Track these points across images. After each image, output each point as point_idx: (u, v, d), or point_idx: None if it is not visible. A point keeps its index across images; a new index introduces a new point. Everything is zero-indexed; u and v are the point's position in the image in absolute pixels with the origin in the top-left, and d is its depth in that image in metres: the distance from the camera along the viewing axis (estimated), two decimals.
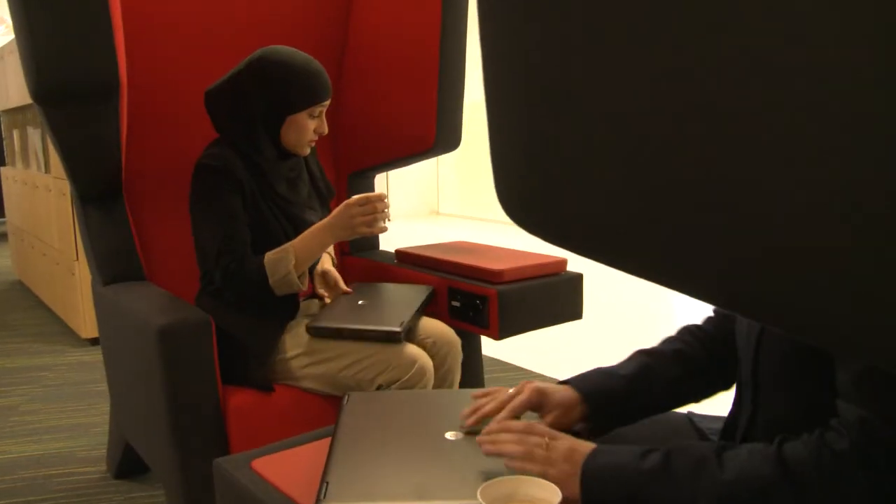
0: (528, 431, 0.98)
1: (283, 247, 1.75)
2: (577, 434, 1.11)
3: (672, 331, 1.25)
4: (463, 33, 2.22)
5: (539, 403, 1.10)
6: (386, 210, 1.75)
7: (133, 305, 1.78)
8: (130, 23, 2.01)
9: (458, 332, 1.97)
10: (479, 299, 1.95)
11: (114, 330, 1.97)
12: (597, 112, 0.49)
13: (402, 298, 1.96)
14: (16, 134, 5.10)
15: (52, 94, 1.35)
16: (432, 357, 1.87)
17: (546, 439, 0.96)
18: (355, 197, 1.73)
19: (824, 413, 0.86)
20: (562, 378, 1.20)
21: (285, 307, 1.84)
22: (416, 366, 1.74)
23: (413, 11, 2.21)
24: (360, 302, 1.93)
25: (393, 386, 1.73)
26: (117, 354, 2.00)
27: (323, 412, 1.81)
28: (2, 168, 5.72)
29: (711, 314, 1.23)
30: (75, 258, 3.78)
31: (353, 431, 1.01)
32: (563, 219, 0.55)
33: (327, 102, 1.82)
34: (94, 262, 2.03)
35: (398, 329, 1.74)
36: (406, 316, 1.82)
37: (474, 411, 1.09)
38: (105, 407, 2.95)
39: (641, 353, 1.20)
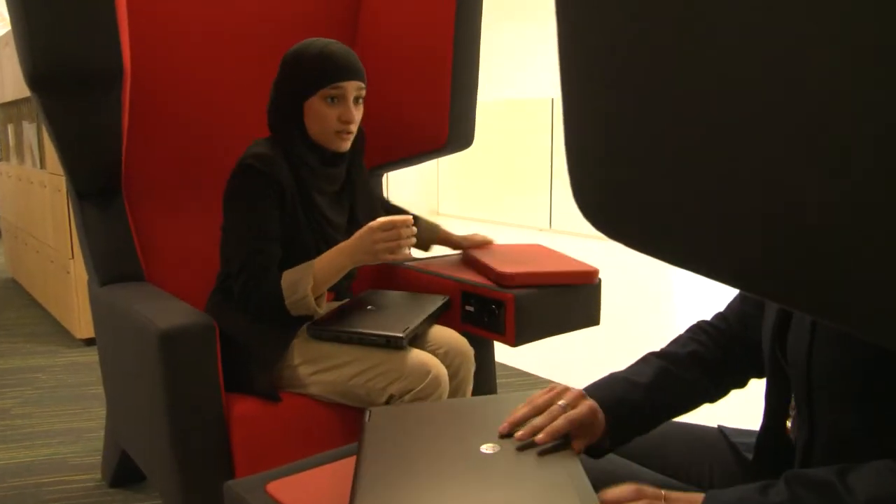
0: (640, 492, 0.89)
1: (302, 266, 1.66)
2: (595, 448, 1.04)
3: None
4: (477, 27, 2.13)
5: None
6: (412, 237, 1.64)
7: (132, 307, 1.69)
8: (134, 12, 1.92)
9: (470, 338, 1.89)
10: (495, 304, 1.87)
11: (111, 332, 1.88)
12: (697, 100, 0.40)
13: (412, 305, 1.87)
14: (10, 128, 5.01)
15: (48, 80, 1.25)
16: (446, 367, 1.79)
17: (663, 493, 0.88)
18: (379, 220, 1.62)
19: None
20: (573, 383, 1.12)
21: (298, 316, 1.76)
22: (431, 375, 1.65)
23: (426, 6, 2.12)
24: (368, 307, 1.84)
25: (406, 396, 1.65)
26: (115, 358, 1.91)
27: (333, 423, 1.73)
28: None
29: (724, 312, 1.18)
30: (70, 256, 3.68)
31: (380, 450, 0.92)
32: (654, 219, 0.47)
33: (345, 84, 1.68)
34: (91, 261, 1.94)
35: (401, 335, 1.65)
36: (413, 322, 1.73)
37: (515, 422, 1.00)
38: (100, 411, 2.86)
39: (656, 357, 1.14)
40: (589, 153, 0.49)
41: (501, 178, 8.36)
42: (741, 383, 1.17)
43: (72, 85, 1.23)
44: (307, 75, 1.68)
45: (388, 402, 1.69)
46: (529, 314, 1.87)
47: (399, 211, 2.10)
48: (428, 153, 2.18)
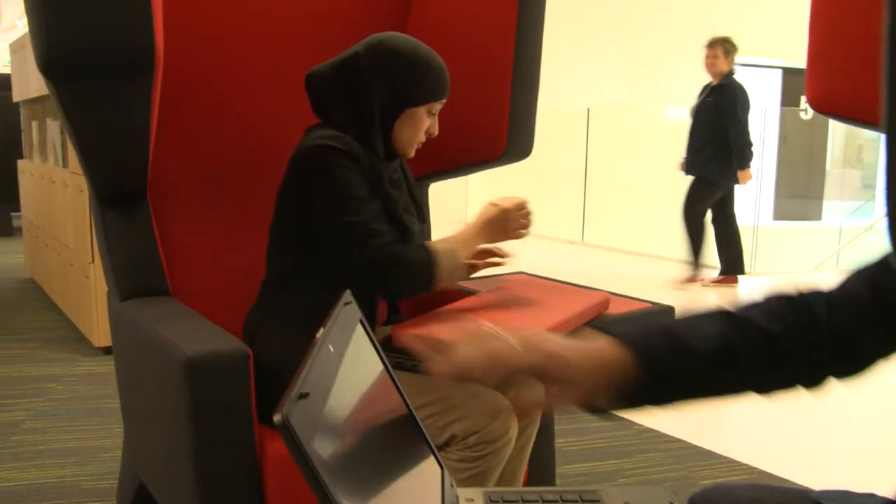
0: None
1: (444, 239, 1.59)
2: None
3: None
4: (541, 25, 1.93)
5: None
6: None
7: (156, 328, 1.50)
8: None
9: None
10: None
11: (131, 353, 1.69)
12: None
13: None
14: (34, 125, 4.87)
15: (66, 64, 1.03)
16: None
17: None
18: (510, 200, 1.65)
19: None
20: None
21: None
22: (500, 419, 1.45)
23: (484, 7, 1.92)
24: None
25: (470, 438, 1.45)
26: (134, 382, 1.72)
27: None
28: (19, 161, 5.49)
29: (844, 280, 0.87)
30: (91, 260, 3.52)
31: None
32: None
33: (444, 100, 1.62)
34: (112, 273, 1.75)
35: None
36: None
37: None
38: (116, 428, 2.68)
39: (725, 321, 0.86)
40: None
41: (533, 188, 8.15)
42: (845, 374, 0.87)
43: (94, 71, 1.02)
44: (428, 83, 1.57)
45: (447, 444, 1.49)
46: None
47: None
48: (484, 163, 1.98)
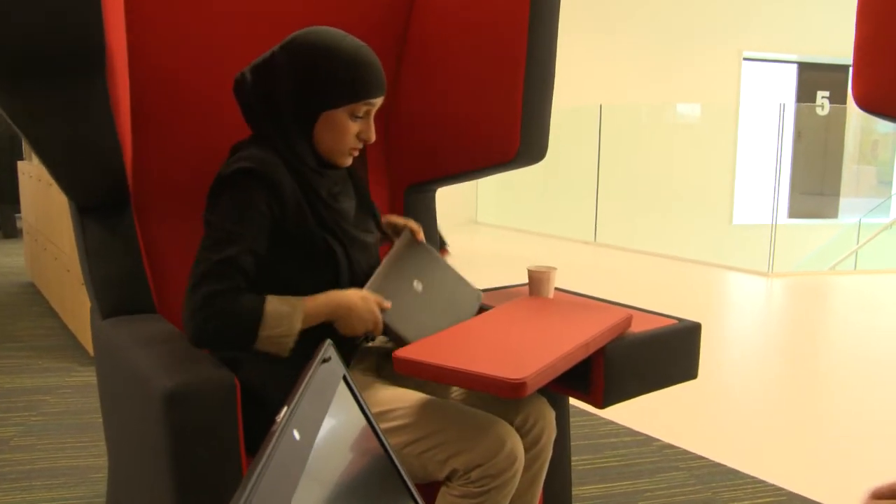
0: None
1: (289, 299, 1.34)
2: None
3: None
4: (556, 19, 1.79)
5: None
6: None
7: (136, 352, 1.37)
8: None
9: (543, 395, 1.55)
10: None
11: (112, 377, 1.56)
12: None
13: (452, 301, 1.59)
14: None
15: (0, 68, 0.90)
16: (522, 437, 1.45)
17: None
18: (380, 302, 1.41)
19: None
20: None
21: (343, 352, 1.43)
22: (506, 450, 1.32)
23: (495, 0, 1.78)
24: (415, 281, 1.53)
25: (473, 473, 1.31)
26: (115, 406, 1.59)
27: None
28: (19, 162, 5.38)
29: None
30: None
31: None
32: None
33: (376, 101, 1.41)
34: (93, 288, 1.62)
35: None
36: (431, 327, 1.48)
37: None
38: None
39: None
40: None
41: (544, 188, 8.00)
42: None
43: (31, 73, 0.88)
44: (340, 85, 1.37)
45: (448, 479, 1.35)
46: (622, 370, 1.52)
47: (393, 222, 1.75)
48: (494, 167, 1.84)
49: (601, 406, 1.52)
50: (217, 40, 1.78)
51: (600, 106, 7.47)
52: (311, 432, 0.46)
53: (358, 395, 0.60)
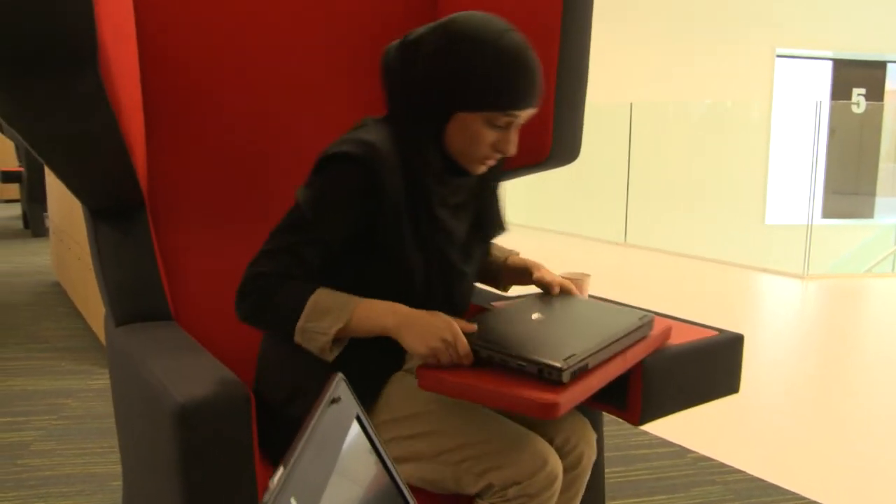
0: None
1: (341, 296, 1.22)
2: None
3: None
4: (589, 19, 1.69)
5: None
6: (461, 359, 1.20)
7: (145, 365, 1.30)
8: None
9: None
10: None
11: (124, 387, 1.50)
12: None
13: (597, 321, 1.32)
14: None
15: None
16: (561, 459, 1.37)
17: None
18: (465, 326, 1.22)
19: None
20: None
21: (392, 354, 1.32)
22: (546, 470, 1.24)
23: None
24: (534, 315, 1.32)
25: (510, 490, 1.23)
26: (127, 416, 1.53)
27: None
28: None
29: None
30: None
31: None
32: None
33: (521, 113, 1.24)
34: (107, 294, 1.56)
35: (559, 364, 1.13)
36: (583, 346, 1.19)
37: None
38: None
39: None
40: None
41: (574, 187, 7.88)
42: None
43: (15, 72, 0.80)
44: (484, 87, 1.20)
45: (479, 495, 1.27)
46: (661, 385, 1.42)
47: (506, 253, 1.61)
48: (526, 168, 1.75)
49: (638, 423, 1.43)
50: (235, 40, 1.71)
51: (630, 104, 7.34)
52: (312, 499, 0.38)
53: (375, 438, 0.52)
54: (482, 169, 1.30)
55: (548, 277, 1.43)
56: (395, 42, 1.30)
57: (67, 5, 0.76)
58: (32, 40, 0.76)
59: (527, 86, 1.21)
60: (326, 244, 1.23)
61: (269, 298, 1.21)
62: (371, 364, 1.30)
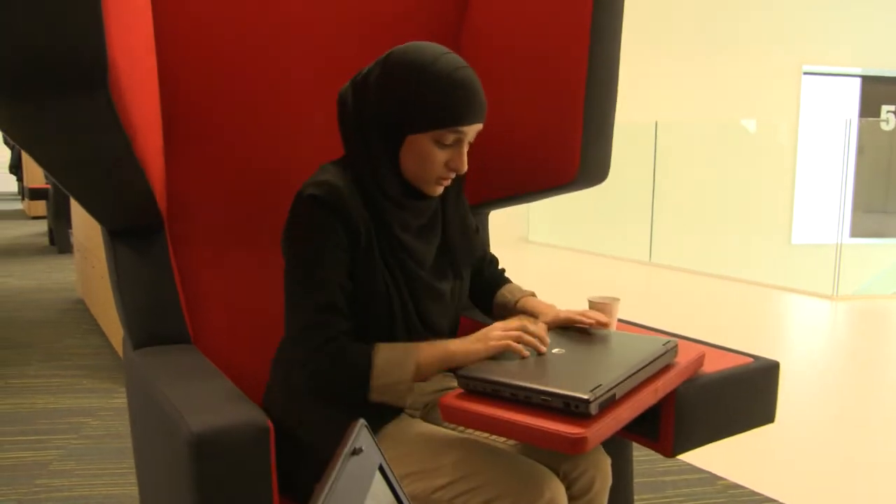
0: None
1: (404, 345, 1.26)
2: None
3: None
4: (618, 34, 1.66)
5: None
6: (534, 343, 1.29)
7: (164, 390, 1.27)
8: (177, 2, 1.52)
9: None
10: None
11: (141, 412, 1.47)
12: None
13: (619, 350, 1.30)
14: None
15: None
16: (569, 485, 1.32)
17: None
18: (540, 324, 1.33)
19: None
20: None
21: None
22: (545, 498, 1.20)
23: (553, 6, 1.66)
24: (555, 350, 1.31)
25: None
26: (144, 442, 1.49)
27: None
28: None
29: None
30: None
31: None
32: None
33: (468, 129, 1.27)
34: (125, 316, 1.53)
35: (586, 396, 1.10)
36: (609, 377, 1.16)
37: None
38: None
39: None
40: None
41: (597, 206, 7.82)
42: None
43: (24, 89, 0.77)
44: (425, 108, 1.23)
45: None
46: (694, 415, 1.37)
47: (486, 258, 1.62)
48: (553, 189, 1.71)
49: (670, 455, 1.38)
50: (252, 60, 1.69)
51: (655, 123, 7.27)
52: None
53: (398, 489, 0.48)
54: (438, 189, 1.34)
55: (562, 316, 1.44)
56: (347, 84, 1.34)
57: (77, 27, 0.73)
58: (40, 63, 0.74)
59: (467, 102, 1.25)
60: (337, 281, 1.25)
61: (340, 366, 1.23)
62: (372, 406, 1.27)
